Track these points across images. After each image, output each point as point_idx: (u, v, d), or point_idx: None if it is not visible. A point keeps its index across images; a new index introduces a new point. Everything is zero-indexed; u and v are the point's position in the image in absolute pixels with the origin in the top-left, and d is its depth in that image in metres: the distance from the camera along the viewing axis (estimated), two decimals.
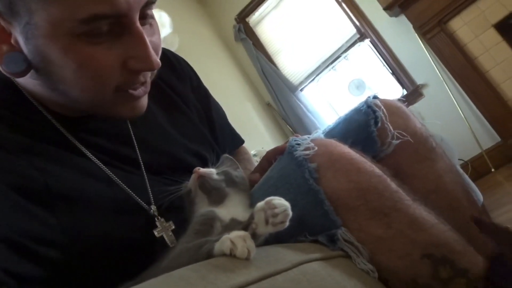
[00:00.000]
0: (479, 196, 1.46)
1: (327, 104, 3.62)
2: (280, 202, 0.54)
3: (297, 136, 0.71)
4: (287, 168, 0.69)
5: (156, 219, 0.70)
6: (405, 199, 0.63)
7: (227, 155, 0.76)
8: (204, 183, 0.66)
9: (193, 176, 0.67)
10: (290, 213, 0.53)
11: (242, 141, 1.09)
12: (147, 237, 0.68)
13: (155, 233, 0.69)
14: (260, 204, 0.54)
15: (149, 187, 0.73)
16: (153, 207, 0.71)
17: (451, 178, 0.76)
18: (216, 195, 0.66)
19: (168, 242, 0.69)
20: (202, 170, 0.67)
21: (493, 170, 2.80)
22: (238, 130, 1.09)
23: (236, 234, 0.51)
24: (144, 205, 0.71)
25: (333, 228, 0.62)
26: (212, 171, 0.68)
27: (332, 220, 0.62)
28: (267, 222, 0.53)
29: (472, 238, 0.65)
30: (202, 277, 0.44)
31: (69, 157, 0.66)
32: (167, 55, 0.93)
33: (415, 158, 0.75)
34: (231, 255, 0.49)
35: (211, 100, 1.00)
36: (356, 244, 0.59)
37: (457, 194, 0.75)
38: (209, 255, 0.52)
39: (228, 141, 1.01)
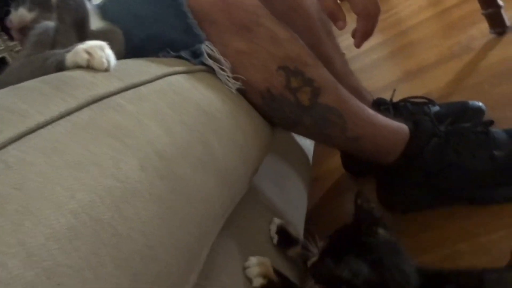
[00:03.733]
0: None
1: None
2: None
3: None
4: None
5: None
6: (267, 14, 0.63)
7: None
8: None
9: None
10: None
11: None
12: None
13: None
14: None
15: None
16: None
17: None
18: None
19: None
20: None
21: None
22: None
23: (92, 44, 0.46)
24: None
25: (196, 43, 0.61)
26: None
27: (196, 34, 0.60)
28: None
29: (320, 54, 0.72)
30: (57, 88, 0.39)
31: None
32: None
33: None
34: (88, 67, 0.45)
35: None
36: (219, 57, 0.60)
37: (313, 15, 0.79)
38: (60, 68, 0.46)
39: None
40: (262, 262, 0.55)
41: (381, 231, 0.53)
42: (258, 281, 0.54)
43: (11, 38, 0.59)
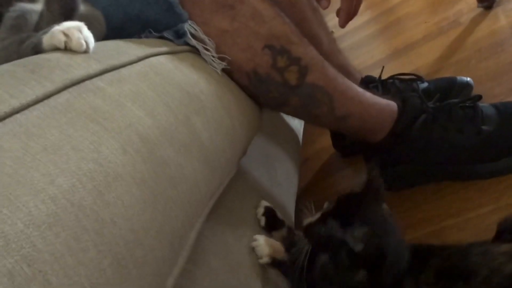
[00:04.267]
0: None
1: None
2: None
3: None
4: None
5: None
6: None
7: None
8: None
9: None
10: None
11: None
12: None
13: None
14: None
15: None
16: None
17: None
18: None
19: None
20: None
21: None
22: None
23: (68, 25, 0.44)
24: None
25: (179, 23, 0.59)
26: None
27: (178, 13, 0.58)
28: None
29: (306, 31, 0.71)
30: (32, 72, 0.38)
31: None
32: None
33: None
34: (66, 49, 0.44)
35: None
36: (203, 37, 0.59)
37: None
38: (36, 51, 0.45)
39: None
40: (271, 244, 0.58)
41: (385, 207, 0.55)
42: (266, 259, 0.56)
43: None
